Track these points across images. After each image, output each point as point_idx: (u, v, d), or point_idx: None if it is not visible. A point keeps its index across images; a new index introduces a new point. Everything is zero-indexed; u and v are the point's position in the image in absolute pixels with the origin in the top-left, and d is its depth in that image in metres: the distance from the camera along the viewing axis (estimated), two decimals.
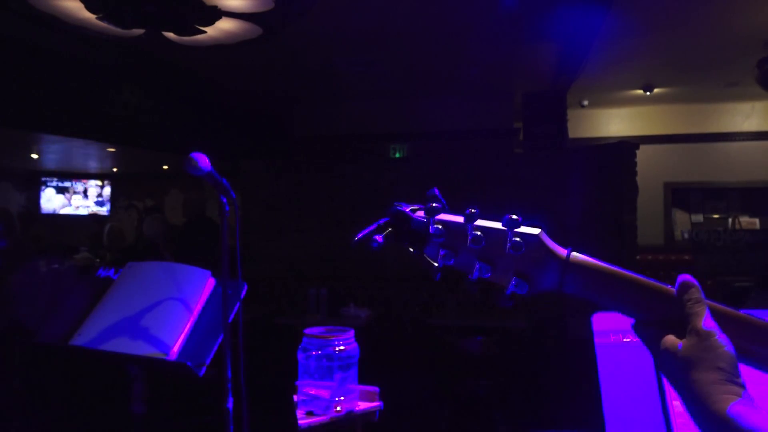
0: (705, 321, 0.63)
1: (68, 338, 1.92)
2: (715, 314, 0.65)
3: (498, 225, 0.69)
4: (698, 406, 0.60)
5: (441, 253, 0.69)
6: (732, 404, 0.58)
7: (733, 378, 0.60)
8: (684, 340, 0.63)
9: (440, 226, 0.70)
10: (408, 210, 0.73)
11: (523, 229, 0.68)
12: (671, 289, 0.66)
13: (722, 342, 0.61)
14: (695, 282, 0.65)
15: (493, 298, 0.69)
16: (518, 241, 0.66)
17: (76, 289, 2.15)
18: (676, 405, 1.06)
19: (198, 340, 1.87)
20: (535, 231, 0.68)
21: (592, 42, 4.99)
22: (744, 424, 0.56)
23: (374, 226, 0.73)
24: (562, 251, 0.68)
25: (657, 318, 0.66)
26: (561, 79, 6.19)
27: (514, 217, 0.67)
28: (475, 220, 0.69)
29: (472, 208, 0.69)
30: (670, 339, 0.64)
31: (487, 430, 3.87)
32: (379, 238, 0.72)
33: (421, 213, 0.72)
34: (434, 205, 0.71)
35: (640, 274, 0.70)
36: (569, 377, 4.28)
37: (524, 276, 0.67)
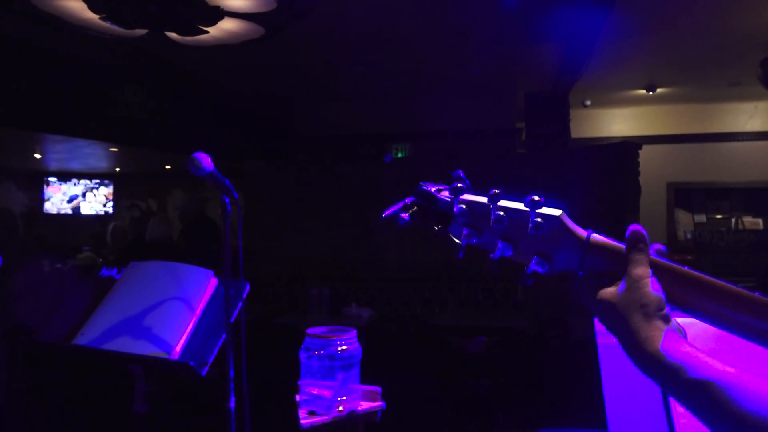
0: (637, 268, 0.66)
1: (71, 338, 1.92)
2: (659, 267, 0.68)
3: (521, 206, 0.71)
4: (631, 348, 0.65)
5: (464, 231, 0.71)
6: (661, 342, 0.63)
7: (656, 314, 0.64)
8: (616, 288, 0.67)
9: (464, 206, 0.72)
10: (434, 190, 0.75)
11: (545, 210, 0.70)
12: (690, 272, 0.68)
13: (649, 285, 0.65)
14: (643, 234, 0.68)
15: (516, 276, 0.71)
16: (539, 222, 0.69)
17: (79, 288, 2.15)
18: (679, 404, 1.06)
19: (200, 339, 1.87)
20: (557, 212, 0.71)
21: (594, 42, 4.98)
22: (672, 359, 0.61)
23: (401, 205, 0.75)
24: (582, 232, 0.71)
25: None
26: (563, 79, 6.18)
27: (536, 198, 0.70)
28: (499, 201, 0.71)
29: (496, 189, 0.71)
30: (606, 290, 0.68)
31: (489, 430, 3.87)
32: (405, 216, 0.74)
33: (446, 193, 0.74)
34: (459, 185, 0.73)
35: (661, 257, 0.71)
36: (571, 377, 4.28)
37: (545, 255, 0.70)
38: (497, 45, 5.20)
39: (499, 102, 6.94)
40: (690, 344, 0.63)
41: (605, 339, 1.15)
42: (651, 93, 6.88)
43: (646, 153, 5.96)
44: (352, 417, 2.15)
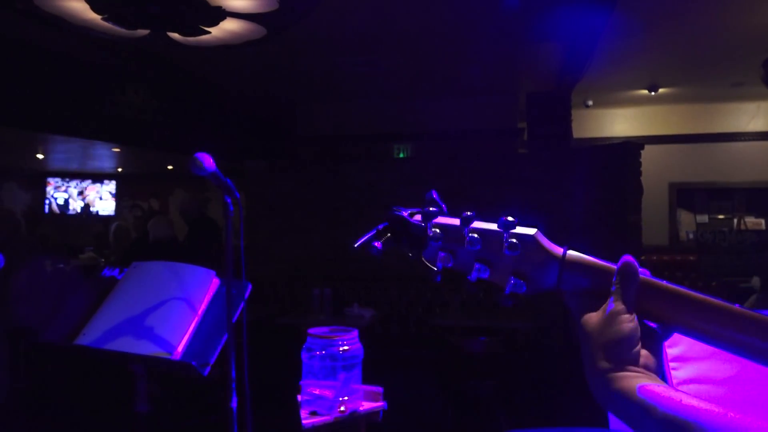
0: (617, 302, 0.66)
1: (73, 338, 1.93)
2: (652, 289, 0.67)
3: (494, 226, 0.70)
4: (591, 379, 0.65)
5: (440, 255, 0.71)
6: (630, 381, 0.62)
7: (628, 352, 0.64)
8: (598, 316, 0.67)
9: (437, 230, 0.71)
10: (406, 214, 0.74)
11: (519, 229, 0.69)
12: (678, 289, 0.67)
13: (626, 321, 0.65)
14: (634, 267, 0.67)
15: (494, 296, 0.70)
16: (514, 242, 0.68)
17: (81, 288, 2.16)
18: None
19: (202, 339, 1.87)
20: (531, 231, 0.69)
21: (596, 42, 4.98)
22: (642, 395, 0.60)
23: (373, 232, 0.75)
24: (558, 250, 0.69)
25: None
26: (565, 79, 6.18)
27: (510, 218, 0.69)
28: (471, 223, 0.70)
29: (468, 211, 0.70)
30: (590, 316, 0.67)
31: (491, 431, 3.87)
32: (378, 244, 0.73)
33: (418, 217, 0.73)
34: (431, 209, 0.72)
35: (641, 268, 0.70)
36: (573, 377, 4.28)
37: (522, 275, 0.69)
38: (499, 45, 5.20)
39: (501, 102, 6.93)
40: (665, 385, 0.62)
41: None
42: (653, 93, 6.87)
43: (648, 153, 5.95)
44: (353, 417, 2.15)
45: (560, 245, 0.70)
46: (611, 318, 0.65)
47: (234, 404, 1.69)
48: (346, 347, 2.21)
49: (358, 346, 2.27)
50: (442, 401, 4.21)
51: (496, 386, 3.91)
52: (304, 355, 2.25)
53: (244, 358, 1.72)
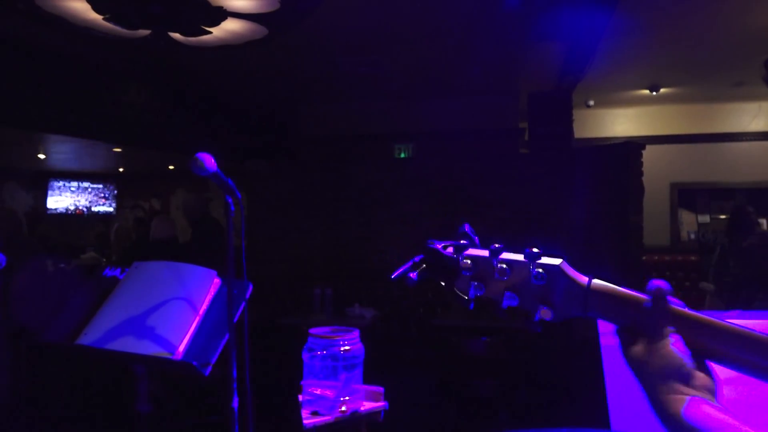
0: (658, 328, 0.68)
1: (74, 337, 1.93)
2: (684, 321, 0.69)
3: (521, 257, 0.75)
4: (656, 408, 0.66)
5: (472, 285, 0.77)
6: (682, 406, 0.63)
7: (677, 376, 0.65)
8: (643, 346, 0.69)
9: (469, 261, 0.77)
10: (440, 247, 0.79)
11: (545, 260, 0.74)
12: (714, 321, 0.69)
13: (672, 348, 0.66)
14: (664, 290, 0.69)
15: (523, 323, 0.76)
16: (540, 272, 0.73)
17: (83, 288, 2.16)
18: None
19: (203, 339, 1.87)
20: (557, 261, 0.74)
21: (598, 42, 4.98)
22: (692, 422, 0.61)
23: (410, 264, 0.80)
24: (583, 279, 0.74)
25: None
26: (566, 79, 6.17)
27: (535, 250, 0.74)
28: (500, 254, 0.76)
29: (497, 243, 0.76)
30: (635, 348, 0.70)
31: (492, 431, 3.86)
32: (413, 275, 0.79)
33: (451, 249, 0.79)
34: (463, 242, 0.78)
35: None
36: (574, 378, 4.27)
37: (549, 303, 0.73)
38: (500, 45, 5.19)
39: (502, 102, 6.93)
40: (718, 407, 0.63)
41: (608, 340, 1.15)
42: (654, 93, 6.87)
43: (649, 153, 5.94)
44: (354, 417, 2.15)
45: (586, 274, 0.75)
46: (656, 344, 0.67)
47: (235, 404, 1.69)
48: (347, 347, 2.21)
49: (359, 346, 2.27)
50: (443, 401, 4.21)
51: (497, 386, 3.91)
52: (306, 355, 2.25)
53: (246, 358, 1.72)
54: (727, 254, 5.11)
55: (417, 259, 0.80)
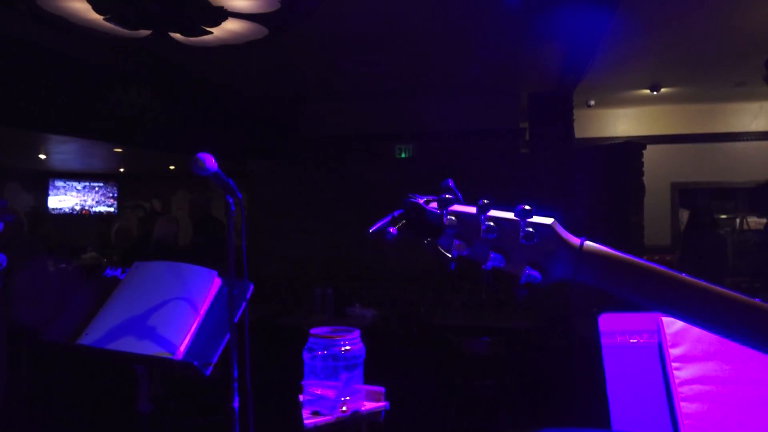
0: None
1: (75, 337, 1.93)
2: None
3: (511, 215, 0.70)
4: None
5: (455, 243, 0.70)
6: None
7: None
8: None
9: (453, 217, 0.70)
10: (422, 201, 0.73)
11: (536, 219, 0.69)
12: (684, 277, 0.67)
13: None
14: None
15: (512, 287, 0.71)
16: (531, 231, 0.67)
17: (84, 288, 2.16)
18: (683, 406, 1.06)
19: (204, 339, 1.87)
20: (548, 221, 0.69)
21: (598, 41, 4.97)
22: None
23: (389, 218, 0.74)
24: (575, 240, 0.69)
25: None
26: (567, 78, 6.17)
27: (527, 207, 0.69)
28: (488, 211, 0.70)
29: (485, 199, 0.70)
30: None
31: (493, 430, 3.87)
32: (393, 230, 0.72)
33: (434, 204, 0.72)
34: (448, 196, 0.71)
35: (652, 262, 0.70)
36: (575, 378, 4.27)
37: (538, 265, 0.68)
38: (501, 45, 5.19)
39: (502, 102, 6.92)
40: None
41: (609, 339, 1.15)
42: (655, 93, 6.86)
43: (650, 153, 5.94)
44: (355, 417, 2.15)
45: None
46: None
47: (236, 404, 1.69)
48: (347, 347, 2.21)
49: (360, 346, 2.27)
50: (443, 401, 4.21)
51: (497, 386, 3.91)
52: (306, 355, 2.25)
53: (246, 358, 1.72)
54: (684, 255, 5.15)
55: (396, 213, 0.74)
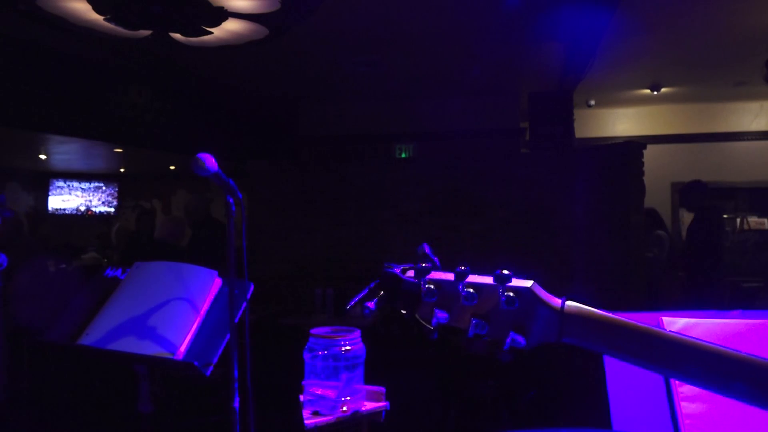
0: None
1: (76, 338, 1.93)
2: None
3: (489, 280, 0.68)
4: None
5: (436, 312, 0.69)
6: None
7: None
8: None
9: (432, 286, 0.69)
10: (398, 271, 0.71)
11: (515, 282, 0.67)
12: (670, 335, 0.66)
13: None
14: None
15: (493, 354, 0.68)
16: (511, 296, 0.66)
17: (84, 288, 2.16)
18: (684, 405, 1.06)
19: (205, 339, 1.87)
20: (527, 283, 0.67)
21: (598, 41, 4.97)
22: None
23: (365, 292, 0.72)
24: (556, 302, 0.67)
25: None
26: (567, 78, 6.17)
27: (505, 272, 0.67)
28: (467, 278, 0.68)
29: (462, 265, 0.68)
30: None
31: (493, 431, 3.86)
32: (371, 304, 0.71)
33: (411, 273, 0.71)
34: (424, 264, 0.70)
35: (638, 323, 0.68)
36: (576, 377, 4.27)
37: (521, 329, 0.67)
38: (501, 45, 5.19)
39: (503, 102, 6.93)
40: None
41: None
42: (655, 93, 6.86)
43: (650, 153, 5.94)
44: (356, 417, 2.15)
45: (558, 296, 0.68)
46: None
47: (236, 404, 1.69)
48: (348, 347, 2.21)
49: (361, 346, 2.27)
50: (444, 401, 4.20)
51: (498, 386, 3.90)
52: (307, 355, 2.25)
53: (247, 358, 1.72)
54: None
55: (372, 285, 0.72)
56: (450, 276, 0.69)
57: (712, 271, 4.88)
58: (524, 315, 0.67)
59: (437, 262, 0.71)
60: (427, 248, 0.72)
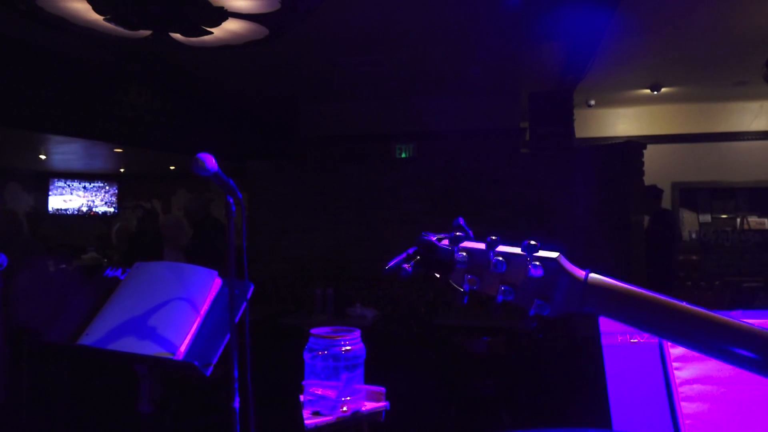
0: None
1: (76, 338, 1.93)
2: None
3: (518, 250, 0.73)
4: None
5: (466, 278, 0.75)
6: None
7: None
8: None
9: (464, 254, 0.75)
10: (434, 239, 0.78)
11: (542, 253, 0.72)
12: (684, 306, 0.69)
13: None
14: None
15: (519, 318, 0.75)
16: (537, 265, 0.71)
17: (84, 289, 2.16)
18: (684, 405, 1.06)
19: (205, 339, 1.87)
20: (554, 255, 0.72)
21: (598, 41, 4.97)
22: None
23: (404, 255, 0.79)
24: (580, 273, 0.72)
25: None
26: (567, 78, 6.17)
27: (533, 242, 0.72)
28: (497, 246, 0.74)
29: (494, 235, 0.74)
30: None
31: (493, 430, 3.86)
32: (407, 267, 0.77)
33: (446, 241, 0.77)
34: (458, 234, 0.76)
35: (655, 292, 0.73)
36: (576, 377, 4.27)
37: (545, 297, 0.72)
38: (501, 45, 5.19)
39: (503, 102, 6.93)
40: None
41: (610, 339, 1.15)
42: (655, 92, 6.86)
43: (650, 153, 5.94)
44: (356, 417, 2.15)
45: (583, 268, 0.73)
46: None
47: (236, 404, 1.69)
48: (348, 347, 2.21)
49: (361, 346, 2.27)
50: (444, 401, 4.21)
51: (498, 386, 3.90)
52: (307, 355, 2.25)
53: (247, 358, 1.72)
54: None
55: (411, 251, 0.78)
56: (481, 245, 0.75)
57: (667, 264, 6.02)
58: (549, 284, 0.72)
59: (470, 234, 0.77)
60: (462, 221, 0.78)
